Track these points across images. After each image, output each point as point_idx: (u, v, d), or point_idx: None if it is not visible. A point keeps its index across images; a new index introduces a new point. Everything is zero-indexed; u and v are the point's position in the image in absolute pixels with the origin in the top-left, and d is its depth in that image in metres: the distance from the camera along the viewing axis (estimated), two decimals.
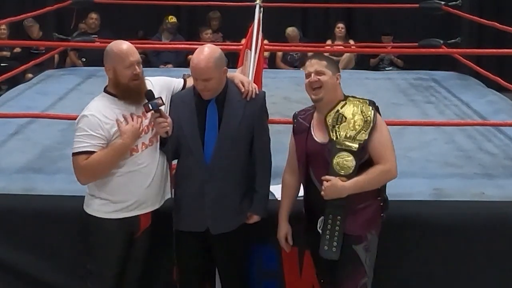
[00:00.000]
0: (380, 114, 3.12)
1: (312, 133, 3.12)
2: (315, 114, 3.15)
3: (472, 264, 3.63)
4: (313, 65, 3.07)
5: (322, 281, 3.26)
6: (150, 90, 3.10)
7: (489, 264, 3.64)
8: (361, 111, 3.05)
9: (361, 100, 3.10)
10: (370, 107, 3.06)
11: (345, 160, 3.00)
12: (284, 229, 3.25)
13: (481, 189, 3.85)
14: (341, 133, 3.02)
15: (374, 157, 3.03)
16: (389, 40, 8.64)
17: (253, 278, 3.61)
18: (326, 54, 3.33)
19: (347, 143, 3.00)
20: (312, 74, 3.06)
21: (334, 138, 3.02)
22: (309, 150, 3.12)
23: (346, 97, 3.12)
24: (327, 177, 3.01)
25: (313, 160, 3.11)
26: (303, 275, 3.58)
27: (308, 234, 3.22)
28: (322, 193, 3.02)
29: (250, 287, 3.57)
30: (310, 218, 3.17)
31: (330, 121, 3.05)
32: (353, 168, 2.99)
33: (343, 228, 3.04)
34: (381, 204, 3.11)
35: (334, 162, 3.01)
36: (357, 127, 3.02)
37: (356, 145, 2.99)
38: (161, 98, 3.11)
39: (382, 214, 3.12)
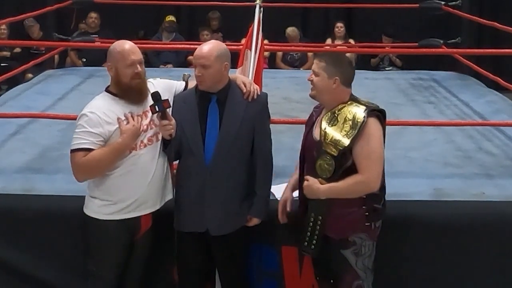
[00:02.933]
0: (381, 122, 3.04)
1: (314, 128, 3.12)
2: (323, 110, 3.14)
3: (472, 264, 3.63)
4: (313, 63, 3.09)
5: (317, 278, 3.27)
6: (157, 92, 3.09)
7: (489, 264, 3.64)
8: (353, 117, 2.98)
9: (361, 105, 3.02)
10: (365, 114, 2.97)
11: (326, 164, 2.98)
12: (286, 195, 3.26)
13: (481, 189, 3.85)
14: (329, 136, 2.99)
15: (356, 165, 2.97)
16: (389, 41, 8.65)
17: (253, 278, 3.61)
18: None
19: (331, 146, 2.97)
20: (311, 72, 3.09)
21: (322, 139, 3.01)
22: (306, 144, 3.13)
23: (349, 100, 3.06)
24: (307, 177, 3.04)
25: (307, 154, 3.13)
26: (303, 275, 3.58)
27: (298, 226, 3.22)
28: (304, 191, 3.05)
29: (249, 287, 3.57)
30: (301, 210, 3.17)
31: (324, 121, 3.04)
32: (332, 172, 2.97)
33: (323, 229, 3.04)
34: (367, 213, 3.03)
35: (317, 164, 3.01)
36: (343, 132, 2.97)
37: (337, 150, 2.96)
38: (167, 100, 3.11)
39: (367, 224, 3.04)
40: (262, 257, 3.62)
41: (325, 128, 3.02)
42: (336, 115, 3.02)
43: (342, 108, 3.03)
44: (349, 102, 3.05)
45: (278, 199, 3.60)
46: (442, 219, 3.62)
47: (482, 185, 3.91)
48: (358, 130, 2.95)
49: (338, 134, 2.97)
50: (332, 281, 3.12)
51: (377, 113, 3.03)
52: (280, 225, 3.54)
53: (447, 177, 4.04)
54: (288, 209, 3.26)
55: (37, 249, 3.66)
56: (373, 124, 2.99)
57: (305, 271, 3.53)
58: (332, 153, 2.97)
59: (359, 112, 2.99)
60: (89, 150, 3.05)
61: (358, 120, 2.96)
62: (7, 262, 3.66)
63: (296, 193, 3.28)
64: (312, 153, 3.07)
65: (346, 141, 2.95)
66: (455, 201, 3.73)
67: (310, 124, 3.18)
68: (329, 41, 8.86)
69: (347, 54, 8.43)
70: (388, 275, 3.52)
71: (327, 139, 2.99)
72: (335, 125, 3.00)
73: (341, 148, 2.95)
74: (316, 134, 3.08)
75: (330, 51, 3.17)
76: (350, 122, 2.97)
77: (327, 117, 3.05)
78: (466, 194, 3.79)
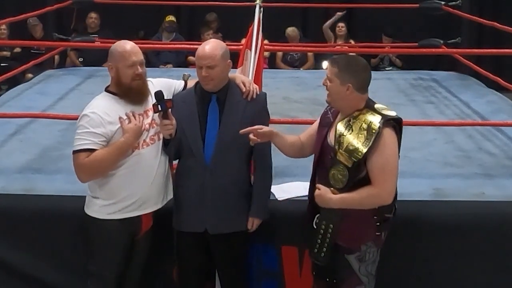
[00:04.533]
0: (397, 132, 2.96)
1: (329, 132, 3.05)
2: (339, 115, 3.06)
3: (472, 264, 3.63)
4: (327, 68, 3.02)
5: (314, 273, 3.26)
6: (161, 91, 3.09)
7: (489, 264, 3.64)
8: (368, 126, 2.89)
9: (377, 114, 2.93)
10: (380, 124, 2.88)
11: (340, 174, 2.92)
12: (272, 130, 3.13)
13: (481, 189, 3.85)
14: (343, 145, 2.92)
15: (370, 177, 2.91)
16: (389, 41, 8.65)
17: (253, 278, 3.61)
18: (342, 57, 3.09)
19: (345, 156, 2.90)
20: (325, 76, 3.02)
21: (337, 148, 2.94)
22: (321, 147, 3.06)
23: (365, 107, 2.97)
24: (319, 185, 2.99)
25: (320, 159, 3.07)
26: (303, 275, 3.58)
27: (305, 228, 3.20)
28: (316, 199, 3.02)
29: (249, 287, 3.57)
30: (310, 213, 3.15)
31: (340, 128, 2.96)
32: (345, 183, 2.91)
33: (334, 238, 3.01)
34: (378, 223, 3.00)
35: (331, 173, 2.95)
36: (358, 142, 2.89)
37: (351, 162, 2.89)
38: (170, 100, 3.11)
39: (378, 233, 3.02)
40: (262, 257, 3.62)
41: (339, 136, 2.94)
42: (351, 123, 2.94)
43: (357, 116, 2.95)
44: (364, 110, 2.96)
45: (278, 199, 3.61)
46: (442, 219, 3.61)
47: (482, 185, 3.91)
48: (373, 141, 2.87)
49: (353, 144, 2.90)
50: (328, 279, 3.11)
51: (393, 123, 2.95)
52: (280, 225, 3.55)
53: (447, 177, 4.04)
54: (261, 130, 3.07)
55: (37, 249, 3.66)
56: (388, 135, 2.91)
57: (305, 271, 3.53)
58: (346, 163, 2.91)
59: (374, 121, 2.90)
60: (92, 150, 3.04)
61: (373, 131, 2.88)
62: (7, 262, 3.66)
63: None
64: (326, 158, 3.02)
65: (360, 152, 2.88)
66: (455, 201, 3.73)
67: (325, 124, 3.10)
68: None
69: None
70: (387, 275, 3.51)
71: (342, 148, 2.92)
72: (350, 134, 2.93)
73: (355, 159, 2.89)
74: (331, 138, 3.02)
75: (344, 55, 3.03)
76: (365, 132, 2.89)
77: (342, 124, 2.97)
78: (466, 194, 3.79)
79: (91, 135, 3.05)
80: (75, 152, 3.07)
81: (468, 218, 3.62)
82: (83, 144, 3.05)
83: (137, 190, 3.15)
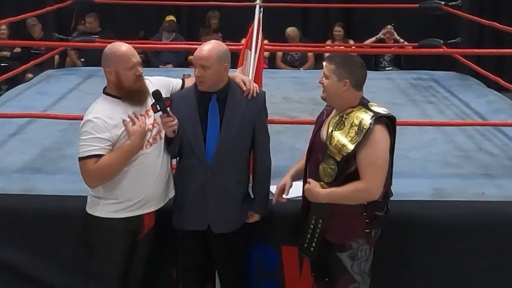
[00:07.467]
0: (389, 129, 2.98)
1: (322, 128, 3.08)
2: (333, 111, 3.09)
3: (472, 264, 3.64)
4: (324, 66, 3.04)
5: (313, 274, 3.26)
6: (158, 91, 3.08)
7: (489, 264, 3.64)
8: (360, 122, 2.92)
9: (369, 111, 2.95)
10: (371, 120, 2.90)
11: (329, 168, 2.95)
12: (284, 180, 3.24)
13: (481, 189, 3.85)
14: (334, 140, 2.95)
15: (359, 172, 2.93)
16: (392, 29, 8.59)
17: (253, 278, 3.61)
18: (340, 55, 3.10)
19: (335, 151, 2.93)
20: (322, 74, 3.04)
21: (328, 143, 2.97)
22: (314, 143, 3.09)
23: (359, 104, 2.99)
24: (309, 180, 3.02)
25: (313, 154, 3.10)
26: (303, 275, 3.58)
27: (300, 226, 3.20)
28: (305, 193, 3.04)
29: (249, 287, 3.57)
30: (303, 210, 3.16)
31: (332, 124, 3.00)
32: (334, 176, 2.94)
33: (323, 233, 3.03)
34: (367, 220, 3.01)
35: (320, 167, 2.98)
36: (348, 137, 2.92)
37: (341, 156, 2.92)
38: (169, 98, 3.10)
39: (367, 230, 3.02)
40: (262, 257, 3.63)
41: (331, 131, 2.98)
42: (343, 120, 2.97)
43: (350, 113, 2.97)
44: (357, 107, 2.98)
45: None
46: (442, 219, 3.62)
47: (482, 185, 3.91)
48: (363, 136, 2.89)
49: (343, 139, 2.93)
50: (327, 279, 3.12)
51: (384, 120, 2.97)
52: (280, 225, 3.55)
53: (447, 177, 4.04)
54: (285, 194, 3.22)
55: (37, 249, 3.66)
56: (379, 131, 2.93)
57: (305, 271, 3.53)
58: (336, 158, 2.93)
59: (366, 118, 2.93)
60: (99, 156, 3.02)
61: (364, 127, 2.90)
62: (7, 262, 3.66)
63: (296, 183, 3.25)
64: (317, 153, 3.04)
65: (350, 147, 2.90)
66: (455, 201, 3.73)
67: (319, 122, 3.14)
68: (329, 42, 8.86)
69: None
70: (387, 275, 3.52)
71: (332, 143, 2.95)
72: (341, 129, 2.96)
73: (344, 154, 2.91)
74: (323, 134, 3.05)
75: (341, 53, 3.05)
76: (356, 128, 2.92)
77: (334, 120, 3.00)
78: (466, 194, 3.79)
79: (97, 140, 3.02)
80: (81, 159, 3.04)
81: (468, 218, 3.62)
82: (90, 151, 3.02)
83: (142, 189, 3.15)
